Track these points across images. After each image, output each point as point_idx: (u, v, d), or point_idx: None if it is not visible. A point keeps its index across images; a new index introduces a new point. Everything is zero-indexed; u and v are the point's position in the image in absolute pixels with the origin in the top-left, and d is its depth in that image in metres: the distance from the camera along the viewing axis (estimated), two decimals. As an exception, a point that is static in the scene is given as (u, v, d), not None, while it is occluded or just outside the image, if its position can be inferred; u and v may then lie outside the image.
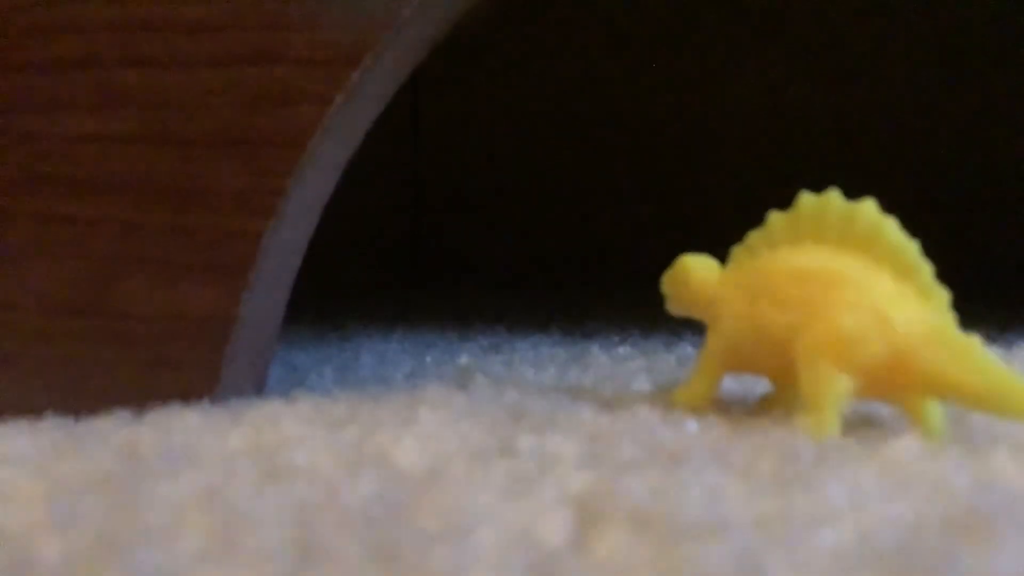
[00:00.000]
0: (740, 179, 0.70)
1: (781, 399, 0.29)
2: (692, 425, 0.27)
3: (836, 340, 0.26)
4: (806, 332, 0.26)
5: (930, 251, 0.27)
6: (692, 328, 0.35)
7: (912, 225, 0.27)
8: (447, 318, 0.52)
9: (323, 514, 0.19)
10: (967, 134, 0.68)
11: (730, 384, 0.31)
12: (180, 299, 0.31)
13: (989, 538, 0.18)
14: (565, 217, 0.74)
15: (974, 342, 0.25)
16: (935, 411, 0.26)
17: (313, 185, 0.32)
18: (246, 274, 0.31)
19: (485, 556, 0.17)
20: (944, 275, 0.26)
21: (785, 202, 0.28)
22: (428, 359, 0.40)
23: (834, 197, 0.27)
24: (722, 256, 0.30)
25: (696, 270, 0.30)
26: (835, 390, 0.26)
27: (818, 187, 0.28)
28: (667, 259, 0.31)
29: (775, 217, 0.28)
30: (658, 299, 0.31)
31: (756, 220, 0.29)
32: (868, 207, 0.27)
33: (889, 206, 0.27)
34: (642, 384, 0.33)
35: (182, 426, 0.27)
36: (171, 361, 0.31)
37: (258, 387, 0.33)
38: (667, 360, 0.39)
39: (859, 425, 0.27)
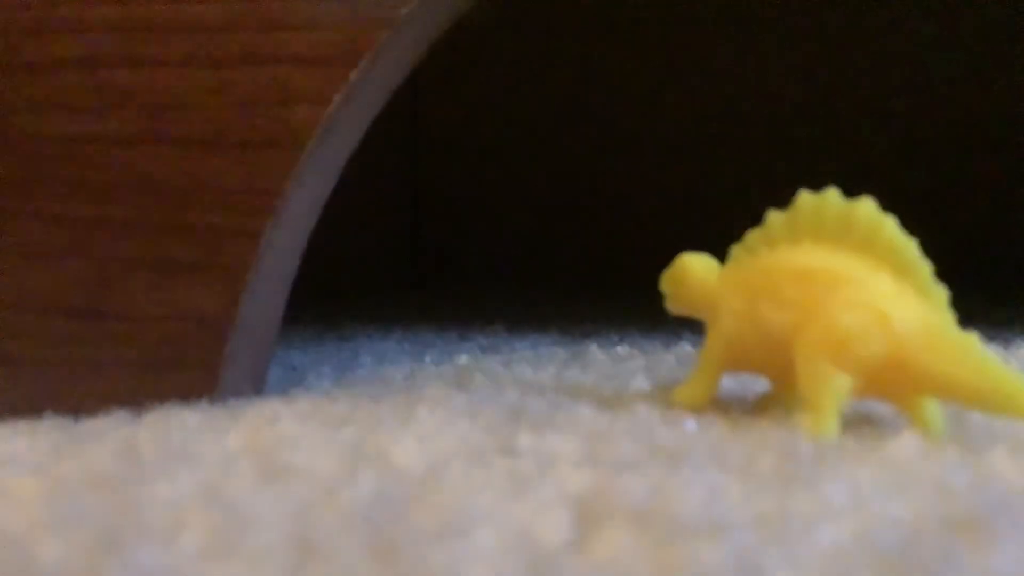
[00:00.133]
0: (739, 178, 0.70)
1: (780, 398, 0.29)
2: (691, 424, 0.27)
3: (835, 339, 0.26)
4: (805, 331, 0.26)
5: (928, 250, 0.27)
6: (691, 327, 0.35)
7: (910, 224, 0.27)
8: (446, 318, 0.52)
9: (322, 513, 0.19)
10: (965, 132, 0.68)
11: (729, 383, 0.31)
12: (179, 299, 0.31)
13: (988, 537, 0.18)
14: (564, 216, 0.74)
15: (973, 341, 0.25)
16: (934, 410, 0.26)
17: (312, 185, 0.32)
18: (245, 274, 0.31)
19: (484, 555, 0.17)
20: (943, 274, 0.26)
21: (784, 201, 0.28)
22: (427, 359, 0.40)
23: (833, 196, 0.27)
24: (721, 255, 0.30)
25: (695, 269, 0.30)
26: (834, 389, 0.26)
27: (817, 186, 0.28)
28: (666, 258, 0.31)
29: (774, 216, 0.28)
30: (657, 298, 0.31)
31: (755, 219, 0.29)
32: (867, 206, 0.27)
33: (887, 205, 0.27)
34: (641, 383, 0.33)
35: (181, 426, 0.27)
36: (170, 361, 0.31)
37: (257, 387, 0.33)
38: (666, 359, 0.39)
39: (858, 424, 0.27)
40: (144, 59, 0.31)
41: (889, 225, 0.27)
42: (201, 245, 0.31)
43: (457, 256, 0.75)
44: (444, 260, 0.75)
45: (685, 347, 0.41)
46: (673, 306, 0.31)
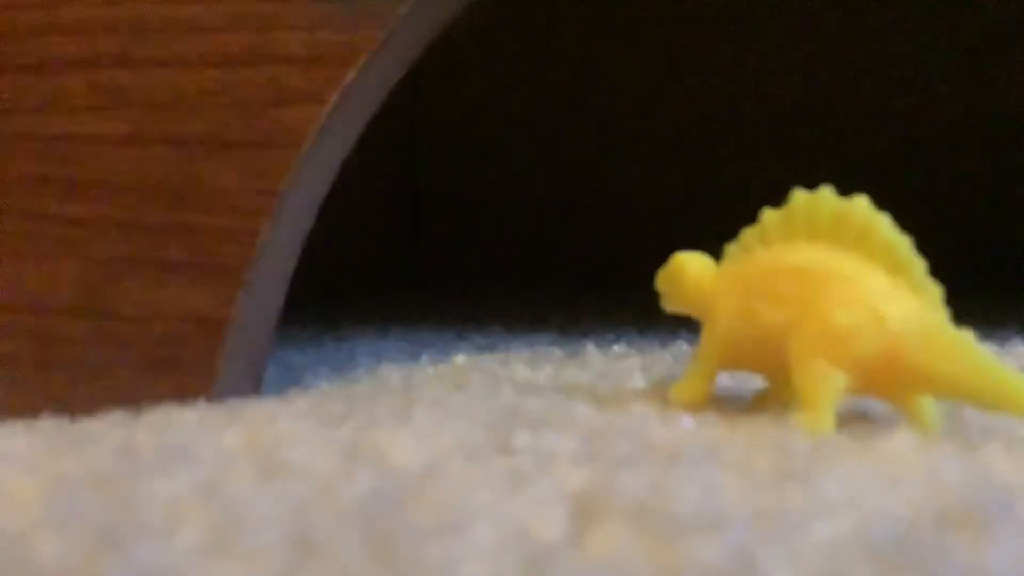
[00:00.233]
0: (738, 178, 0.70)
1: (776, 396, 0.29)
2: (688, 422, 0.27)
3: (830, 336, 0.26)
4: (800, 329, 0.26)
5: (923, 247, 0.27)
6: (688, 326, 0.35)
7: (910, 223, 0.27)
8: (444, 318, 0.53)
9: (319, 511, 0.19)
10: (965, 132, 0.68)
11: (725, 381, 0.31)
12: (176, 299, 0.31)
13: (983, 532, 0.18)
14: (562, 217, 0.74)
15: (967, 338, 0.26)
16: (929, 406, 0.26)
17: (309, 185, 0.32)
18: (242, 274, 0.31)
19: (481, 552, 0.17)
20: (941, 273, 0.26)
21: (779, 199, 0.28)
22: (424, 358, 0.40)
23: (827, 194, 0.27)
24: (716, 254, 0.30)
25: (691, 267, 0.30)
26: (829, 386, 0.26)
27: (811, 184, 0.28)
28: (665, 257, 0.31)
29: (769, 214, 0.28)
30: (654, 297, 0.31)
31: (754, 219, 0.29)
32: (861, 204, 0.27)
33: (887, 205, 0.27)
34: (638, 381, 0.33)
35: (179, 425, 0.27)
36: (168, 361, 0.31)
37: (255, 387, 0.33)
38: (663, 358, 0.39)
39: (853, 421, 0.27)
40: (141, 59, 0.31)
41: (883, 223, 0.27)
42: (199, 245, 0.31)
43: (456, 256, 0.75)
44: (443, 260, 0.75)
45: (682, 346, 0.41)
46: (669, 305, 0.31)
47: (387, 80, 0.33)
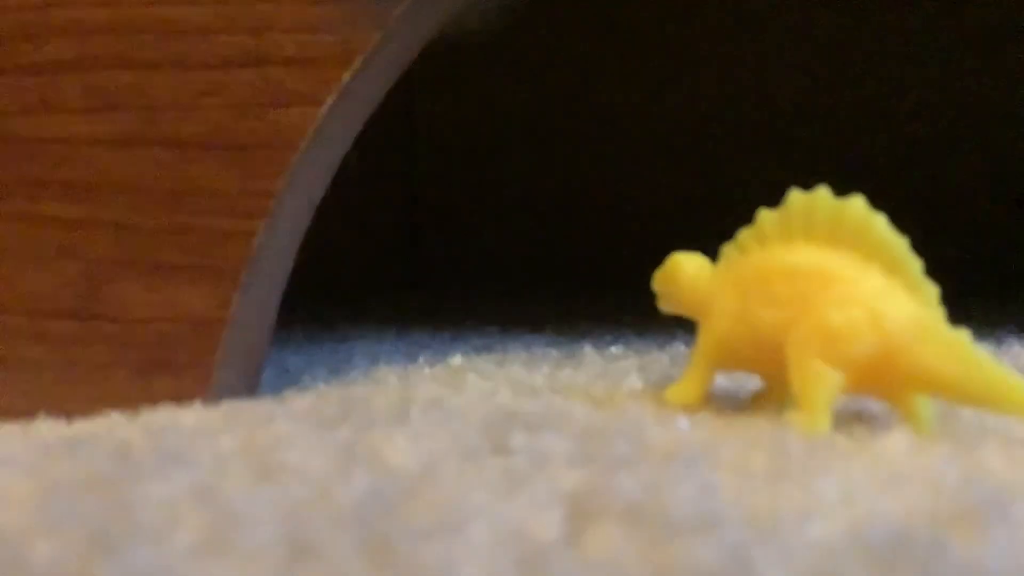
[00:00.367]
0: (738, 178, 0.70)
1: (772, 396, 0.29)
2: (684, 423, 0.27)
3: (826, 336, 0.26)
4: (796, 329, 0.26)
5: (919, 247, 0.27)
6: (685, 327, 0.35)
7: (909, 223, 0.27)
8: (440, 318, 0.53)
9: (315, 512, 0.19)
10: (965, 132, 0.68)
11: (721, 381, 0.32)
12: (173, 301, 0.31)
13: (978, 532, 0.18)
14: (558, 217, 0.74)
15: (963, 337, 0.26)
16: (925, 406, 0.26)
17: (305, 186, 0.32)
18: (238, 276, 0.31)
19: (477, 552, 0.17)
20: (932, 271, 0.27)
21: (778, 200, 0.28)
22: (421, 359, 0.40)
23: (823, 194, 0.27)
24: (713, 254, 0.30)
25: (687, 268, 0.30)
26: (825, 386, 0.26)
27: (811, 184, 0.28)
28: (663, 258, 0.31)
29: (765, 215, 0.28)
30: (650, 298, 0.31)
31: (749, 218, 0.29)
32: (857, 204, 0.27)
33: (887, 205, 0.27)
34: (634, 383, 0.33)
35: (175, 427, 0.27)
36: (164, 363, 0.31)
37: (251, 388, 0.33)
38: (660, 359, 0.39)
39: (849, 421, 0.27)
40: (137, 61, 0.31)
41: (879, 223, 0.27)
42: (195, 246, 0.31)
43: (453, 257, 0.75)
44: (440, 261, 0.75)
45: (679, 347, 0.41)
46: (666, 305, 0.31)
47: (384, 81, 0.33)
